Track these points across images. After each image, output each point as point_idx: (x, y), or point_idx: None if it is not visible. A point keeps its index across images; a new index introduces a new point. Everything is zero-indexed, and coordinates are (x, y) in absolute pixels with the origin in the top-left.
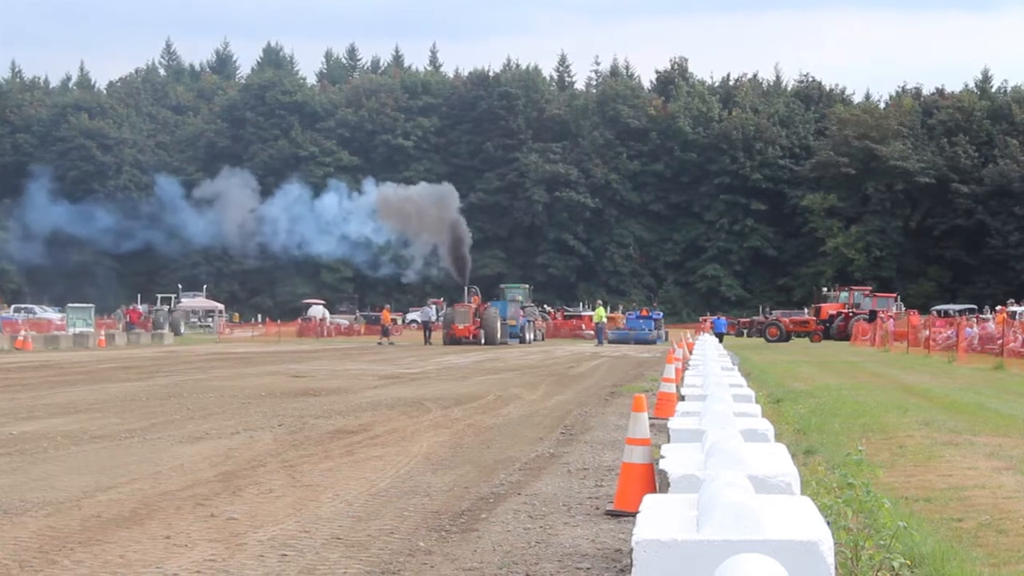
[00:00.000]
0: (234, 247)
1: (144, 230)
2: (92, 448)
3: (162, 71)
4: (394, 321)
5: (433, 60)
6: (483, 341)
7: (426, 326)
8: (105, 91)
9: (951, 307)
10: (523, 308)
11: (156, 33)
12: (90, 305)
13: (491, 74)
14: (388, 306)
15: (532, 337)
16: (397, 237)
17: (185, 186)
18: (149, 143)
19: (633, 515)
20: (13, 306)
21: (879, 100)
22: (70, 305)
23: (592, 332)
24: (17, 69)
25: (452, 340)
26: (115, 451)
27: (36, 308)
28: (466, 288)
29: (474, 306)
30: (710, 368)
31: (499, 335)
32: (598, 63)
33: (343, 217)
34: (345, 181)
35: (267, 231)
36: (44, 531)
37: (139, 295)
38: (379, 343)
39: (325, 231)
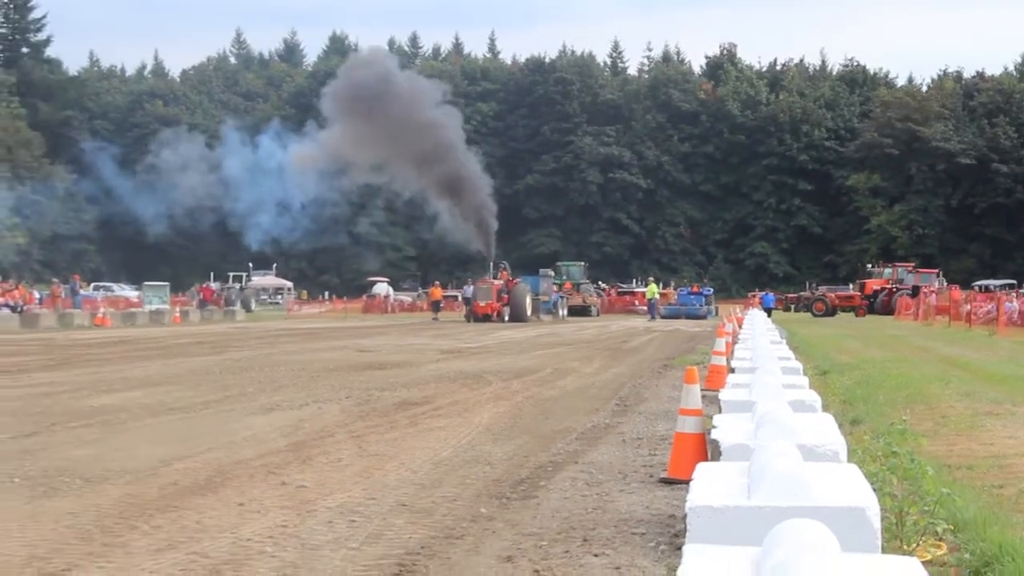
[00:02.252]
0: (304, 228)
1: (215, 212)
2: (169, 419)
3: (233, 59)
4: (444, 298)
5: (491, 47)
6: (506, 319)
7: (468, 303)
8: (179, 79)
9: (991, 282)
10: (557, 284)
11: (227, 23)
12: (165, 283)
13: (547, 60)
14: (437, 283)
15: (563, 313)
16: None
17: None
18: (221, 129)
19: (686, 483)
20: (92, 284)
21: (921, 83)
22: (146, 283)
23: (645, 308)
24: (95, 58)
25: (475, 318)
26: (191, 422)
27: (114, 286)
28: (491, 263)
29: (500, 282)
30: (759, 342)
31: (528, 312)
32: (650, 49)
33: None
34: None
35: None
36: (124, 498)
37: (212, 274)
38: (434, 319)
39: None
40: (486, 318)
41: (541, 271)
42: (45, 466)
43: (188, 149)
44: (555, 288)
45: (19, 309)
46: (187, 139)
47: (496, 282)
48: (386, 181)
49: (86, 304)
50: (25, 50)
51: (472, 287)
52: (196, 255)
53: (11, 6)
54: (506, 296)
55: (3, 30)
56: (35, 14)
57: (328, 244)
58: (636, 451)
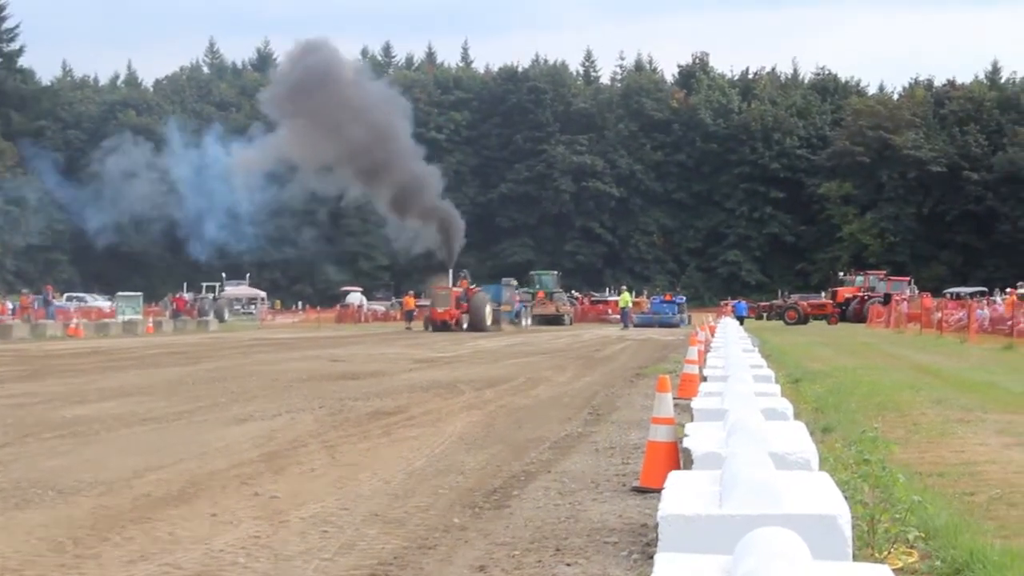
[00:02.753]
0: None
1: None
2: (142, 430)
3: (206, 69)
4: (418, 307)
5: (465, 56)
6: (466, 327)
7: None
8: (152, 89)
9: (962, 290)
10: (517, 292)
11: (200, 33)
12: (138, 293)
13: (520, 69)
14: (412, 293)
15: (527, 323)
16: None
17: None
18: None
19: (658, 491)
20: (65, 295)
21: (893, 92)
22: (119, 294)
23: (618, 316)
24: (68, 68)
25: (433, 325)
26: (164, 433)
27: (87, 296)
28: (451, 271)
29: (460, 290)
30: (731, 350)
31: (487, 321)
32: (623, 58)
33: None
34: None
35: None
36: (97, 509)
37: (185, 284)
38: (407, 328)
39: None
40: (444, 325)
41: (503, 280)
42: (17, 477)
43: (136, 156)
44: (518, 297)
45: None
46: (133, 145)
47: (455, 289)
48: (333, 191)
49: (59, 315)
50: None
51: (432, 293)
52: (171, 265)
53: None
54: (465, 304)
55: None
56: (7, 24)
57: (301, 254)
58: (609, 460)
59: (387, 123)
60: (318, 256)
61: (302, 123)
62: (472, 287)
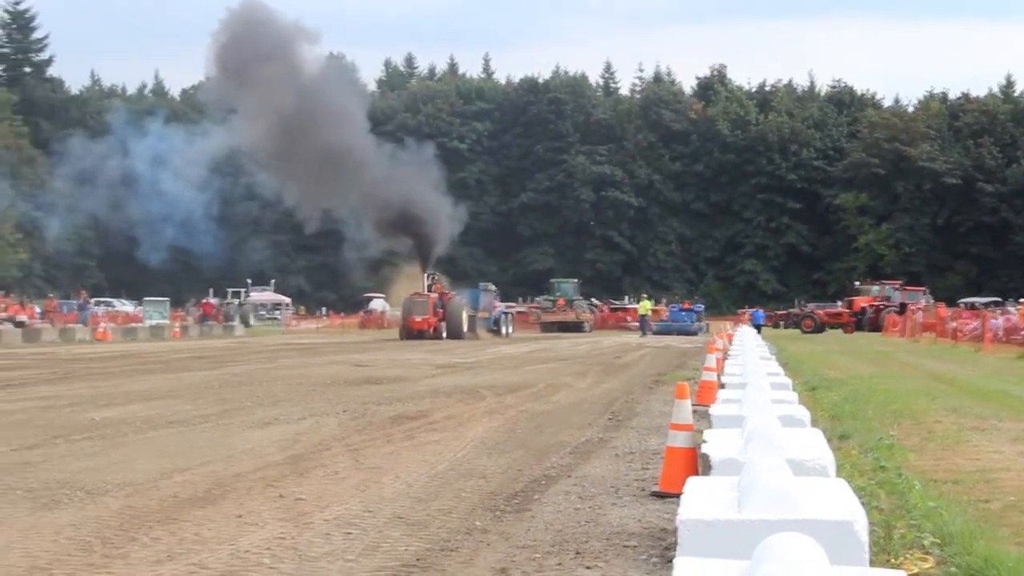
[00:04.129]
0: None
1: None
2: (168, 433)
3: None
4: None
5: (486, 68)
6: (444, 335)
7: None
8: (179, 98)
9: (977, 300)
10: (496, 297)
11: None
12: (165, 299)
13: (541, 81)
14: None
15: (507, 331)
16: None
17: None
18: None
19: (677, 496)
20: (94, 299)
21: (908, 104)
22: (147, 298)
23: (637, 324)
24: (96, 77)
25: (409, 334)
26: (190, 435)
27: (114, 301)
28: (425, 275)
29: (435, 296)
30: (749, 358)
31: (464, 328)
32: (642, 70)
33: None
34: None
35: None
36: (124, 510)
37: (211, 289)
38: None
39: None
40: (421, 334)
41: (481, 285)
42: (47, 478)
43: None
44: (497, 304)
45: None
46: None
47: (432, 295)
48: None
49: (93, 319)
50: (28, 69)
51: (407, 300)
52: (196, 269)
53: (14, 26)
54: (441, 311)
55: (6, 49)
56: (37, 34)
57: (325, 260)
58: (628, 465)
59: (342, 118)
60: (342, 263)
61: (249, 98)
62: (447, 292)
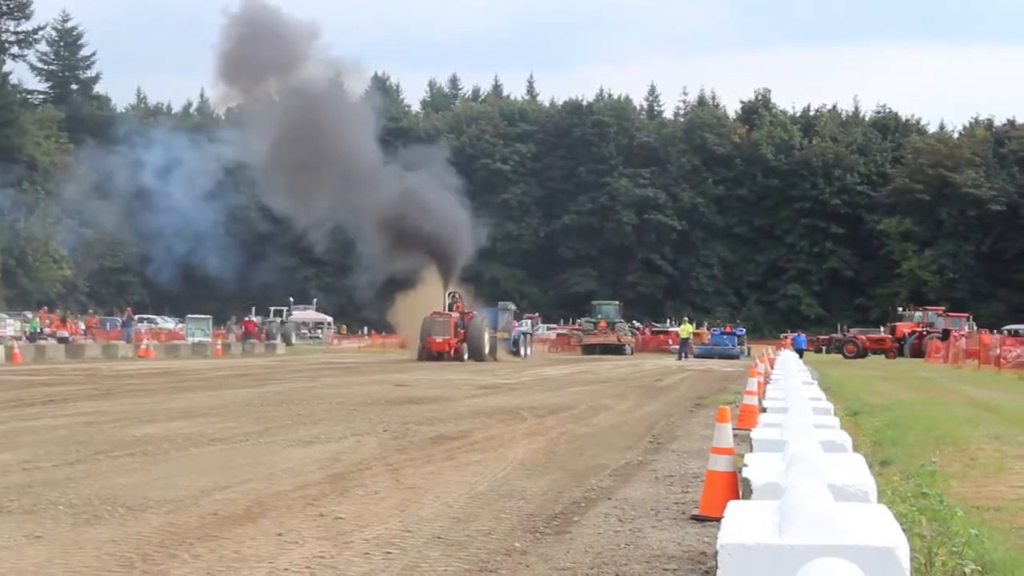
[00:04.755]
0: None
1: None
2: (210, 450)
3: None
4: None
5: (530, 90)
6: (466, 357)
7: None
8: (224, 117)
9: (1021, 327)
10: (516, 317)
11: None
12: (208, 316)
13: (584, 103)
14: None
15: (527, 352)
16: None
17: None
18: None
19: (718, 520)
20: (137, 316)
21: (953, 130)
22: (189, 316)
23: (677, 346)
24: (143, 95)
25: (428, 356)
26: (231, 453)
27: (157, 318)
28: (446, 293)
29: (457, 315)
30: (791, 382)
31: (486, 350)
32: (686, 93)
33: None
34: None
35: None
36: (165, 527)
37: (254, 307)
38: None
39: None
40: (440, 356)
41: (500, 304)
42: (88, 494)
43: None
44: (516, 324)
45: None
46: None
47: (452, 315)
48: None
49: (136, 336)
50: (74, 87)
51: (427, 320)
52: (237, 288)
53: (61, 43)
54: (463, 331)
55: (53, 67)
56: (84, 51)
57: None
58: (668, 488)
59: (349, 132)
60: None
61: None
62: (468, 312)
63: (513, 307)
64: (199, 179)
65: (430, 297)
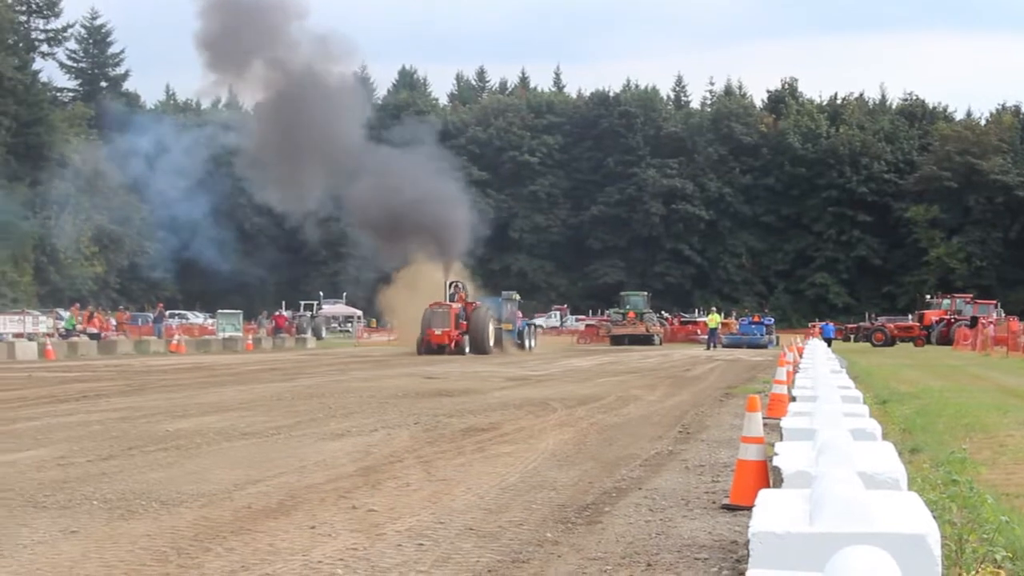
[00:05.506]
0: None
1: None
2: (242, 444)
3: None
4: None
5: (557, 81)
6: (468, 350)
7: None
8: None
9: None
10: (520, 307)
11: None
12: (238, 311)
13: (611, 94)
14: None
15: (531, 345)
16: None
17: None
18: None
19: (748, 509)
20: (168, 312)
21: (980, 117)
22: (220, 311)
23: (706, 336)
24: (171, 92)
25: (428, 349)
26: (263, 447)
27: (188, 314)
28: (446, 283)
29: (459, 306)
30: (819, 371)
31: (490, 342)
32: (712, 83)
33: None
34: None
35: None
36: (199, 521)
37: (283, 302)
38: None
39: None
40: (440, 349)
41: (504, 293)
42: (123, 489)
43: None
44: (520, 314)
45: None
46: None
47: (454, 305)
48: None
49: (168, 331)
50: (104, 84)
51: (427, 311)
52: (267, 283)
53: (91, 41)
54: (464, 323)
55: (83, 64)
56: (113, 49)
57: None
58: (699, 478)
59: (333, 104)
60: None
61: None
62: (471, 302)
63: (518, 297)
64: (188, 170)
65: (429, 287)
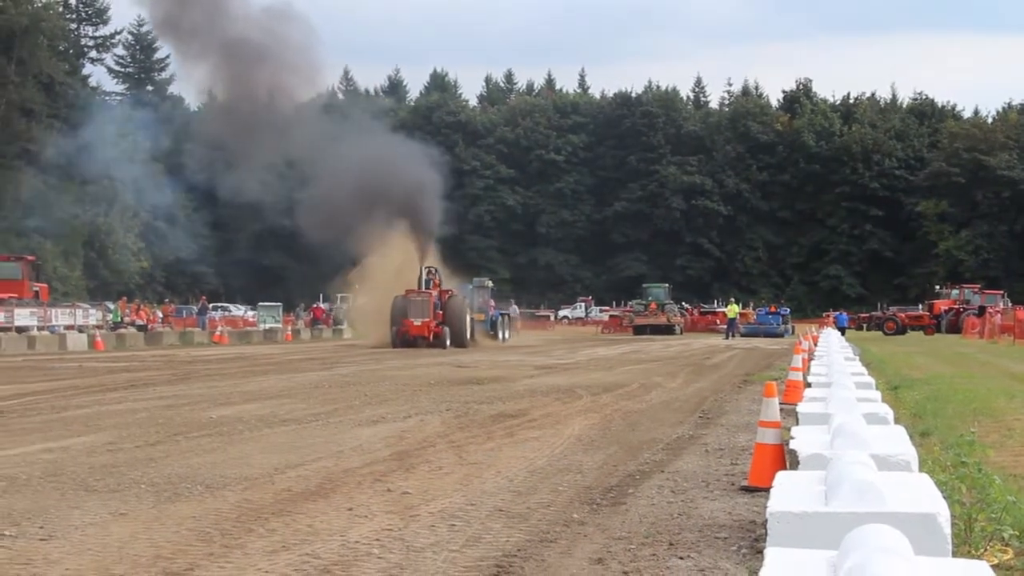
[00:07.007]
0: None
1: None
2: (282, 430)
3: (340, 95)
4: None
5: (582, 83)
6: (448, 343)
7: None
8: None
9: None
10: (492, 296)
11: (335, 61)
12: (278, 303)
13: (634, 95)
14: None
15: (505, 336)
16: None
17: None
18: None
19: (766, 490)
20: (211, 304)
21: (987, 115)
22: (260, 303)
23: (725, 326)
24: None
25: (404, 341)
26: (302, 433)
27: (230, 306)
28: (422, 269)
29: (434, 294)
30: (834, 358)
31: (469, 333)
32: (730, 84)
33: None
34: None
35: None
36: (241, 503)
37: (321, 294)
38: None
39: None
40: (417, 341)
41: (475, 280)
42: (169, 473)
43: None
44: (493, 303)
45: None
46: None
47: (431, 293)
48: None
49: (211, 323)
50: (150, 88)
51: (400, 300)
52: (306, 275)
53: (137, 47)
54: (440, 312)
55: (130, 69)
56: (159, 54)
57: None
58: (719, 461)
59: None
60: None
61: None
62: (447, 290)
63: (490, 284)
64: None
65: (392, 272)
